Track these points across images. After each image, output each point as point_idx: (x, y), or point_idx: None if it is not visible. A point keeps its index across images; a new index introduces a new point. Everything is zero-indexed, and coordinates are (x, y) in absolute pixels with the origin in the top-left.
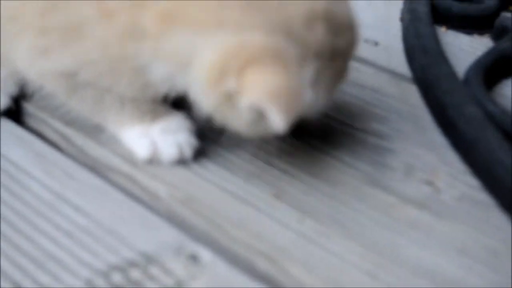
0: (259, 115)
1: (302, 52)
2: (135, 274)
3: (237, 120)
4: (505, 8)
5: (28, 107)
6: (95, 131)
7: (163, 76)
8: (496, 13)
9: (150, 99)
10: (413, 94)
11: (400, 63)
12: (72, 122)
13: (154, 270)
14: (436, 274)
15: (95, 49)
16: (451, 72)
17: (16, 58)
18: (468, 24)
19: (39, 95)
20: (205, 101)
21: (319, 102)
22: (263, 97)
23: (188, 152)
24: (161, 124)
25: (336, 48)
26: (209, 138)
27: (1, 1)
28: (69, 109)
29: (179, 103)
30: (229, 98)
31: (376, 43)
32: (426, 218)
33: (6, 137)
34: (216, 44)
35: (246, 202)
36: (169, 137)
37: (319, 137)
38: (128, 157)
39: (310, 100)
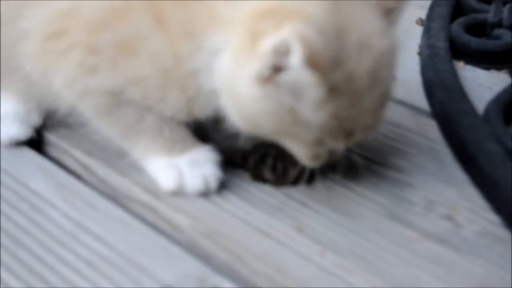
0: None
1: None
2: None
3: (260, 111)
4: None
5: (50, 137)
6: (116, 161)
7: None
8: None
9: (189, 119)
10: (432, 128)
11: (418, 98)
12: (93, 152)
13: None
14: None
15: (147, 64)
16: (471, 109)
17: (56, 77)
18: (486, 59)
19: (61, 124)
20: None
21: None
22: (293, 36)
23: (213, 184)
24: (189, 155)
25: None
26: (231, 171)
27: (44, 18)
28: (90, 138)
29: (204, 136)
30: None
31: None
32: (447, 253)
33: (28, 166)
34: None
35: (268, 235)
36: (196, 169)
37: (338, 170)
38: (150, 188)
39: (313, 114)
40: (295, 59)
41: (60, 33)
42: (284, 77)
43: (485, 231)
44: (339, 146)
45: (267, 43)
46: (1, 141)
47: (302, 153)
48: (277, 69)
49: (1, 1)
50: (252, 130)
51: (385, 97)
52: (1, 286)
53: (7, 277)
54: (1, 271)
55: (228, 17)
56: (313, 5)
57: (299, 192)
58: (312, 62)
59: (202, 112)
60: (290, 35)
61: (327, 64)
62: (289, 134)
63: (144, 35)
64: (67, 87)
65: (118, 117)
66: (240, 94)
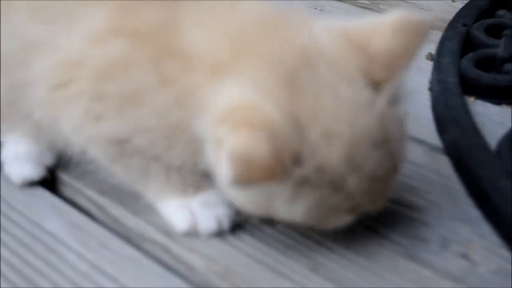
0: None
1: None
2: None
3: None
4: None
5: (63, 176)
6: (129, 200)
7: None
8: None
9: (198, 168)
10: (444, 164)
11: (430, 134)
12: (106, 191)
13: None
14: None
15: (152, 117)
16: (483, 145)
17: (64, 124)
18: (497, 94)
19: (74, 163)
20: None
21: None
22: (231, 153)
23: (226, 225)
24: (202, 197)
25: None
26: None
27: (51, 67)
28: (104, 176)
29: None
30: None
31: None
32: None
33: (42, 206)
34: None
35: (282, 275)
36: (209, 210)
37: None
38: (163, 228)
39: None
40: (227, 177)
41: (67, 82)
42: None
43: (501, 269)
44: (345, 220)
45: (223, 154)
46: (15, 181)
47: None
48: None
49: (13, 42)
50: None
51: (381, 173)
52: None
53: None
54: None
55: (210, 110)
56: (271, 103)
57: (314, 230)
58: (259, 178)
59: (208, 165)
60: (232, 150)
61: (286, 164)
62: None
63: (149, 87)
64: (74, 134)
65: (124, 165)
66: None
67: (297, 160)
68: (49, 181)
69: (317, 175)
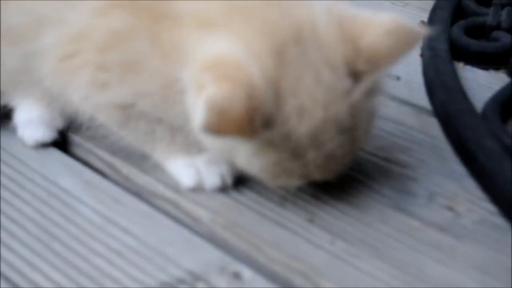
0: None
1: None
2: None
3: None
4: None
5: (75, 138)
6: (139, 160)
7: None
8: (511, 50)
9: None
10: (433, 126)
11: (421, 97)
12: (117, 151)
13: (201, 285)
14: None
15: (150, 81)
16: (470, 108)
17: (73, 93)
18: (485, 60)
19: (85, 126)
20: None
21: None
22: (208, 101)
23: (229, 180)
24: (206, 155)
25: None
26: None
27: (60, 40)
28: (114, 140)
29: None
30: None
31: (398, 78)
32: (448, 240)
33: (56, 166)
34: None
35: (282, 226)
36: (213, 167)
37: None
38: (171, 184)
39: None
40: (200, 123)
41: (74, 53)
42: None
43: (483, 220)
44: (296, 183)
45: (201, 99)
46: (28, 143)
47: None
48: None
49: (21, 19)
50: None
51: (339, 152)
52: (40, 276)
53: (44, 267)
54: (39, 262)
55: (196, 59)
56: (256, 66)
57: (309, 185)
58: (229, 124)
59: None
60: (210, 98)
61: (257, 125)
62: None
63: (145, 56)
64: (82, 102)
65: (131, 128)
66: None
67: (267, 123)
68: (61, 143)
69: (283, 141)
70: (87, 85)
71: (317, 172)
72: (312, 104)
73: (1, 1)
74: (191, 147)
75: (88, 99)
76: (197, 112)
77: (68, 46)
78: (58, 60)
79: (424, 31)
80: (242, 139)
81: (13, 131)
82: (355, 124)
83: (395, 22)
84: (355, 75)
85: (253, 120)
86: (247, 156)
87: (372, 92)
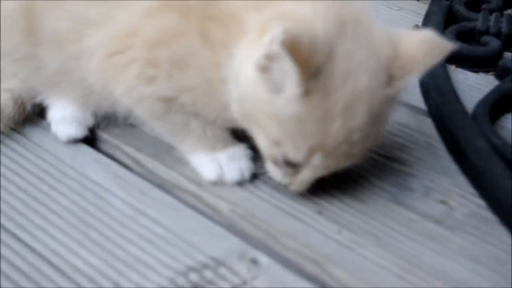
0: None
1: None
2: (208, 274)
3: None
4: (507, 49)
5: (103, 135)
6: (162, 155)
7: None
8: (499, 54)
9: (226, 125)
10: (428, 126)
11: (417, 98)
12: (141, 148)
13: (223, 271)
14: (451, 276)
15: (196, 76)
16: (462, 109)
17: (117, 86)
18: (475, 63)
19: (112, 124)
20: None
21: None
22: (284, 27)
23: (247, 175)
24: (228, 152)
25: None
26: (261, 164)
27: (108, 38)
28: (139, 136)
29: (240, 136)
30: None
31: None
32: (442, 232)
33: (87, 161)
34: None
35: (294, 217)
36: (233, 163)
37: None
38: (193, 178)
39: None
40: (276, 42)
41: (122, 50)
42: (275, 67)
43: (473, 213)
44: (297, 156)
45: (266, 36)
46: (61, 138)
47: (263, 146)
48: (272, 61)
49: (66, 23)
50: (239, 114)
51: (356, 138)
52: (80, 261)
53: (83, 253)
54: (79, 248)
55: (253, 25)
56: (321, 25)
57: (318, 180)
58: (293, 50)
59: (234, 118)
60: (281, 30)
61: (311, 68)
62: (260, 124)
63: (194, 51)
64: (126, 94)
65: (168, 120)
66: (242, 77)
67: (317, 72)
68: (90, 139)
69: (322, 96)
70: (135, 78)
71: (326, 152)
72: (359, 73)
73: (44, 8)
74: (217, 144)
75: (132, 92)
76: (256, 53)
77: (118, 43)
78: (105, 56)
79: (452, 44)
80: (298, 75)
81: (45, 128)
82: (378, 118)
83: (429, 34)
84: (389, 79)
85: (313, 57)
86: (286, 99)
87: (394, 100)
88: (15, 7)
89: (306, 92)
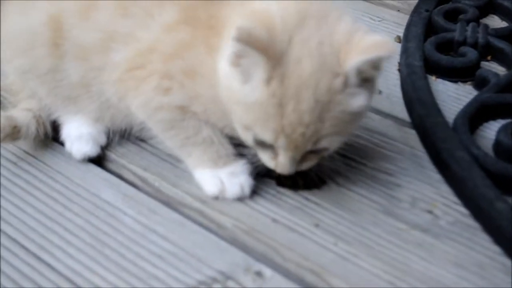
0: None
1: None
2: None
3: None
4: (484, 58)
5: (110, 154)
6: (167, 174)
7: None
8: (477, 64)
9: (232, 133)
10: (413, 137)
11: (400, 109)
12: (147, 167)
13: (232, 284)
14: (438, 282)
15: (203, 83)
16: (443, 121)
17: (134, 98)
18: (454, 74)
19: (119, 144)
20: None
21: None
22: (241, 24)
23: (247, 191)
24: (229, 168)
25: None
26: (258, 179)
27: (131, 54)
28: (144, 156)
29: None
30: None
31: (380, 92)
32: (429, 239)
33: (96, 180)
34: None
35: (293, 230)
36: (234, 179)
37: (341, 175)
38: (198, 195)
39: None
40: (234, 39)
41: (143, 65)
42: (243, 61)
43: (457, 221)
44: (265, 136)
45: (232, 33)
46: (76, 157)
47: (239, 133)
48: (240, 55)
49: (94, 36)
50: (225, 107)
51: (307, 120)
52: (97, 278)
53: (100, 270)
54: (95, 265)
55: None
56: (281, 17)
57: (313, 194)
58: (251, 42)
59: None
60: (242, 23)
61: (273, 55)
62: (233, 112)
63: (201, 60)
64: (143, 106)
65: (180, 129)
66: (220, 72)
67: (279, 58)
68: (97, 159)
69: (278, 83)
70: (152, 90)
71: (285, 134)
72: (308, 60)
73: (72, 19)
74: (220, 160)
75: (150, 103)
76: (226, 50)
77: (138, 59)
78: (127, 70)
79: (394, 47)
80: (263, 62)
81: (54, 148)
82: (328, 105)
83: (376, 35)
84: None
85: (273, 47)
86: (252, 86)
87: (349, 91)
88: (42, 21)
89: (270, 79)
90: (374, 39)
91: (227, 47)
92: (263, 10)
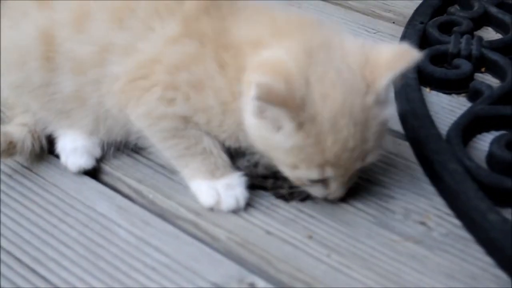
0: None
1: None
2: None
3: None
4: (478, 70)
5: (105, 167)
6: (162, 187)
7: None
8: (470, 76)
9: (235, 145)
10: (406, 149)
11: (394, 122)
12: (142, 179)
13: None
14: None
15: (211, 98)
16: (436, 133)
17: (135, 108)
18: (448, 86)
19: (113, 156)
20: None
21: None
22: (259, 82)
23: (242, 203)
24: (225, 180)
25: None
26: (251, 191)
27: (133, 65)
28: (138, 169)
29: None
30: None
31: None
32: (422, 251)
33: (91, 193)
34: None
35: (286, 242)
36: (230, 191)
37: None
38: (192, 207)
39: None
40: (255, 98)
41: (146, 75)
42: (268, 113)
43: (450, 232)
44: (313, 174)
45: (251, 92)
46: (72, 169)
47: (286, 173)
48: (263, 110)
49: (89, 48)
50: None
51: (352, 145)
52: None
53: (94, 283)
54: (87, 277)
55: (249, 67)
56: (293, 62)
57: (307, 207)
58: (271, 98)
59: (244, 140)
60: (260, 80)
61: (295, 105)
62: (273, 155)
63: (211, 75)
64: (146, 115)
65: (181, 139)
66: (246, 122)
67: (302, 104)
68: (92, 172)
69: (310, 124)
70: (156, 100)
71: (332, 164)
72: (334, 92)
73: (65, 32)
74: (217, 171)
75: (152, 113)
76: (249, 98)
77: (141, 69)
78: (129, 81)
79: (419, 53)
80: (283, 117)
81: (50, 161)
82: (365, 123)
83: (399, 45)
84: (367, 85)
85: (292, 96)
86: (284, 135)
87: (381, 102)
88: (34, 34)
89: (300, 124)
90: (393, 49)
91: (249, 100)
92: (276, 60)
